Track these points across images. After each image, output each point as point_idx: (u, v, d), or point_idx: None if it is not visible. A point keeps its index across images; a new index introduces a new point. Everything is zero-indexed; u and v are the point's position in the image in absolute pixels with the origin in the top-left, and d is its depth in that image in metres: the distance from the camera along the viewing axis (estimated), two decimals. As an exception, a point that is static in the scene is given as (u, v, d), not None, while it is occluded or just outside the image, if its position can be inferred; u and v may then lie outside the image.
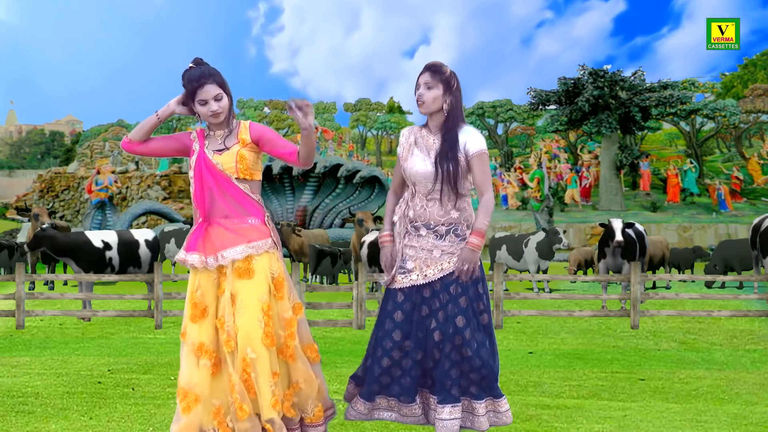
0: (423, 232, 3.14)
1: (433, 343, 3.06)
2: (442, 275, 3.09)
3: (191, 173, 3.07)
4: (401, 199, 3.25)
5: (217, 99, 3.00)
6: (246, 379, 2.90)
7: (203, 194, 3.03)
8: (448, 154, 3.11)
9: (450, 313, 3.05)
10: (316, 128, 24.47)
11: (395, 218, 3.24)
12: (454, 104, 3.15)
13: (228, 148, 3.04)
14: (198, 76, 2.98)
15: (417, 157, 3.18)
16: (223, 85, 3.02)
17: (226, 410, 2.94)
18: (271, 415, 2.89)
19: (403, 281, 3.13)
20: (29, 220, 22.40)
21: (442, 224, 3.13)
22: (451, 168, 3.10)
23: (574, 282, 13.96)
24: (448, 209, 3.14)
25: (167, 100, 3.13)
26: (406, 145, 3.23)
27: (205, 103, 3.00)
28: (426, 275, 3.10)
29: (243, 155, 3.02)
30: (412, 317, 3.11)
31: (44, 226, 10.78)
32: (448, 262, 3.10)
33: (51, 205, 27.61)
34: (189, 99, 3.04)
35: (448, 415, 2.99)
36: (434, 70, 3.15)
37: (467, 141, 3.13)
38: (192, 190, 3.08)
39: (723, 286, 13.09)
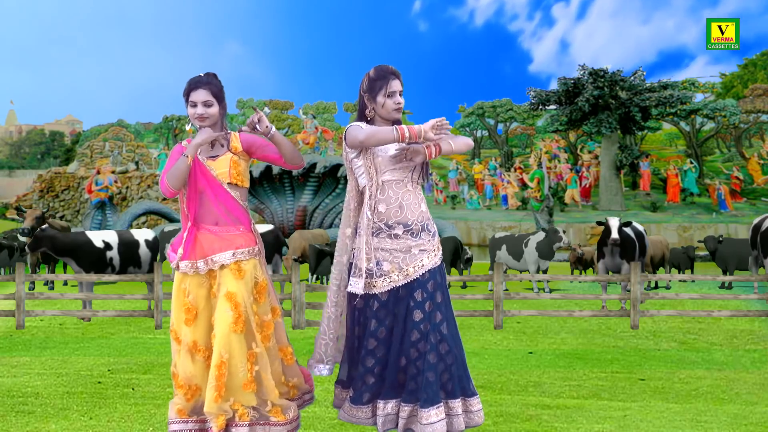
0: (399, 231, 3.08)
1: (410, 342, 3.01)
2: (423, 271, 3.06)
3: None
4: (366, 194, 3.10)
5: (206, 105, 3.17)
6: (219, 376, 3.03)
7: (195, 199, 3.18)
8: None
9: (429, 310, 3.02)
10: (316, 128, 24.48)
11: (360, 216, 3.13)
12: None
13: (220, 156, 3.20)
14: (195, 81, 3.18)
15: (393, 144, 3.09)
16: (216, 95, 3.19)
17: None
18: (248, 400, 3.06)
19: (382, 285, 3.07)
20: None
21: (417, 221, 3.10)
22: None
23: (573, 282, 13.97)
24: (419, 201, 3.12)
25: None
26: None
27: (194, 105, 3.17)
28: (407, 273, 3.06)
29: (236, 161, 3.20)
30: (393, 318, 3.07)
31: (24, 228, 10.82)
32: (428, 258, 3.08)
33: (51, 205, 27.59)
34: (184, 101, 3.21)
35: (435, 417, 2.95)
36: (399, 75, 3.14)
37: None
38: (184, 195, 3.20)
39: (729, 286, 13.07)
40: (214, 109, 3.18)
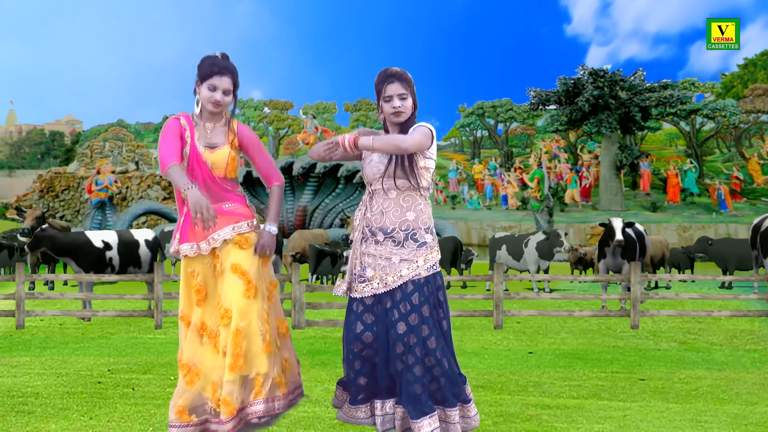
0: (380, 237, 3.08)
1: (395, 355, 3.00)
2: (401, 282, 3.02)
3: (183, 164, 3.15)
4: (360, 202, 3.20)
5: (225, 93, 3.17)
6: (236, 344, 3.01)
7: None
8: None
9: (414, 323, 2.99)
10: (316, 128, 24.52)
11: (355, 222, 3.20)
12: (415, 108, 3.16)
13: (218, 146, 3.18)
14: (223, 65, 3.16)
15: (375, 155, 3.13)
16: (235, 86, 3.20)
17: (221, 384, 3.09)
18: (263, 368, 3.06)
19: (364, 290, 3.08)
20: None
21: (400, 229, 3.06)
22: (405, 156, 3.04)
23: (573, 282, 13.97)
24: (404, 209, 3.07)
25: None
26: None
27: (214, 89, 3.15)
28: (386, 283, 3.04)
29: (233, 157, 3.20)
30: (376, 325, 3.07)
31: (24, 228, 10.83)
32: (407, 269, 3.03)
33: (51, 205, 27.59)
34: (199, 79, 3.16)
35: (428, 427, 2.93)
36: (403, 78, 3.09)
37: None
38: None
39: (729, 286, 13.09)
40: (229, 99, 3.19)
